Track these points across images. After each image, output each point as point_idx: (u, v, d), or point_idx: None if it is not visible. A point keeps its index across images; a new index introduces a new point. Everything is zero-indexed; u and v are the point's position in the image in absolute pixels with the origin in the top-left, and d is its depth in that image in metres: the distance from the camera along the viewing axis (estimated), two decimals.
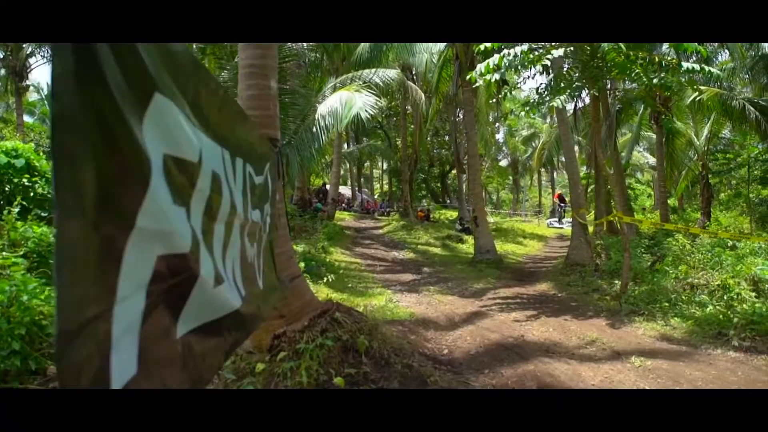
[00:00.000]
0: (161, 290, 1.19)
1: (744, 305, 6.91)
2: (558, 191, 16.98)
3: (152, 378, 1.10)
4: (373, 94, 10.53)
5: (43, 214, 7.61)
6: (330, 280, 9.07)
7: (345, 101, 10.21)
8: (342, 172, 28.95)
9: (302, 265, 8.49)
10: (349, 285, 10.24)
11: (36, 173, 8.10)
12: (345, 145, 28.97)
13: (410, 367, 4.31)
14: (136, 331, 1.04)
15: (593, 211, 17.41)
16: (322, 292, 8.26)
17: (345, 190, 36.15)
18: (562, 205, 15.48)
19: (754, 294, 7.30)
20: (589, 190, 20.25)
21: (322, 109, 10.64)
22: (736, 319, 6.37)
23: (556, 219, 15.59)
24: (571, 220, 13.57)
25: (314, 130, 10.48)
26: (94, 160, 0.90)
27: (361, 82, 12.12)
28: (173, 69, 1.31)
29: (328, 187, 24.82)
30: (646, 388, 4.60)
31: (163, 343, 1.22)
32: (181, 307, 1.35)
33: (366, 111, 9.93)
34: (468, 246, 17.86)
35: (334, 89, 12.20)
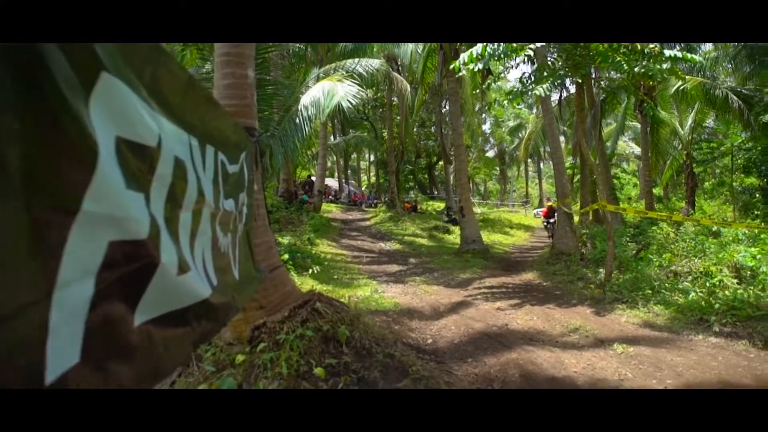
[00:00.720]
0: (114, 277, 1.14)
1: (726, 292, 6.99)
2: (548, 202, 17.50)
3: (98, 367, 1.05)
4: (356, 83, 10.43)
5: None
6: (315, 271, 9.02)
7: (327, 91, 10.12)
8: (329, 164, 28.89)
9: (286, 257, 8.43)
10: (335, 276, 10.21)
11: None
12: (331, 137, 28.89)
13: (392, 357, 4.29)
14: (81, 319, 0.99)
15: (579, 201, 17.51)
16: (307, 283, 8.21)
17: (332, 182, 36.07)
18: (551, 221, 16.01)
19: (735, 281, 7.39)
20: (574, 180, 20.35)
21: (305, 99, 10.54)
22: (717, 306, 6.43)
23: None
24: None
25: (297, 120, 10.38)
26: (25, 140, 0.85)
27: (344, 72, 12.03)
28: (125, 49, 1.26)
29: (314, 179, 24.71)
30: (628, 374, 4.63)
31: (116, 332, 1.18)
32: (139, 295, 1.30)
33: (348, 100, 9.86)
34: (455, 236, 17.90)
35: (317, 80, 12.10)
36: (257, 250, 3.77)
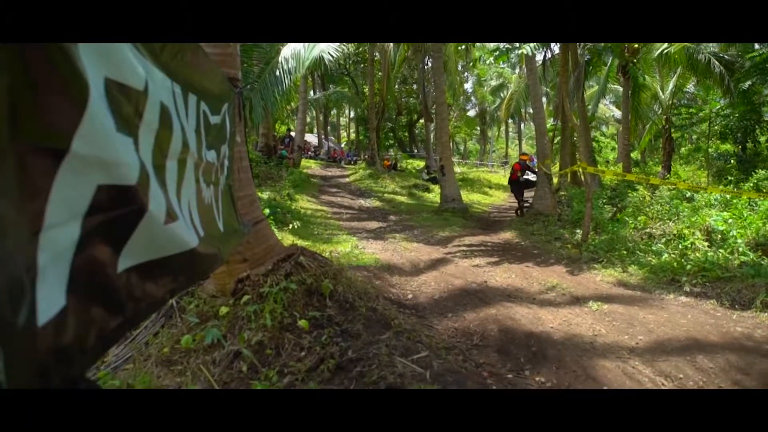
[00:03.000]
0: (101, 221, 1.11)
1: (697, 254, 7.22)
2: (522, 156, 13.30)
3: (83, 311, 1.04)
4: None
5: None
6: (295, 227, 9.00)
7: (307, 43, 9.91)
8: (308, 119, 28.45)
9: (267, 211, 8.37)
10: (315, 232, 10.21)
11: None
12: (311, 92, 28.36)
13: (374, 311, 4.34)
14: (67, 262, 0.97)
15: (558, 163, 17.64)
16: (287, 239, 8.19)
17: (311, 138, 35.65)
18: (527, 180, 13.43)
19: (707, 243, 7.63)
20: (554, 141, 20.43)
21: (286, 51, 10.30)
22: (689, 267, 6.63)
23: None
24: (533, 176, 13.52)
25: (277, 73, 10.17)
26: (13, 75, 0.81)
27: None
28: None
29: (293, 134, 24.38)
30: (602, 330, 4.77)
31: (100, 276, 1.16)
32: (124, 241, 1.28)
33: (329, 53, 9.67)
34: (434, 195, 17.97)
35: None
36: (240, 203, 3.72)
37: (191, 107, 2.06)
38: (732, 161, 17.53)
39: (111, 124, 1.16)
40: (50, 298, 0.89)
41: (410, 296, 5.92)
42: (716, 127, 19.00)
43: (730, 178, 15.73)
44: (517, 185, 13.28)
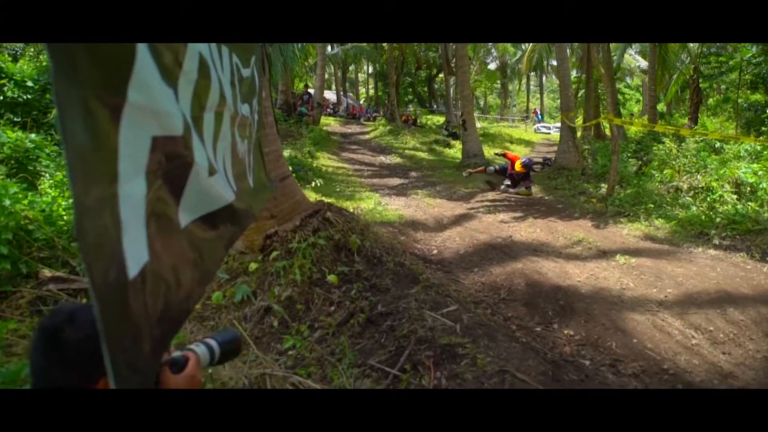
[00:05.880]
0: (160, 174, 1.11)
1: (726, 206, 7.09)
2: (507, 154, 11.08)
3: (164, 267, 1.05)
4: None
5: (15, 119, 7.33)
6: (318, 184, 9.02)
7: None
8: (326, 75, 28.09)
9: (290, 168, 8.40)
10: (337, 189, 10.23)
11: (4, 75, 7.71)
12: (329, 48, 27.88)
13: (402, 265, 4.37)
14: (142, 216, 0.98)
15: (581, 116, 17.26)
16: (310, 196, 8.20)
17: (330, 95, 35.29)
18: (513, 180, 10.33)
19: (735, 196, 7.47)
20: (578, 95, 19.94)
21: None
22: (718, 220, 6.53)
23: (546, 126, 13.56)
24: (558, 125, 13.09)
25: None
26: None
27: None
28: None
29: (311, 91, 24.14)
30: (630, 283, 4.75)
31: (170, 232, 1.17)
32: (179, 195, 1.29)
33: None
34: (455, 151, 17.78)
35: None
36: (267, 159, 3.72)
37: (225, 58, 2.02)
38: (767, 111, 16.90)
39: (156, 73, 1.15)
40: (136, 253, 0.89)
41: (435, 251, 5.94)
42: (747, 76, 18.35)
43: (764, 128, 15.23)
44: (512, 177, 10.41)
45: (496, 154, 12.77)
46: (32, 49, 12.15)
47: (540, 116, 38.27)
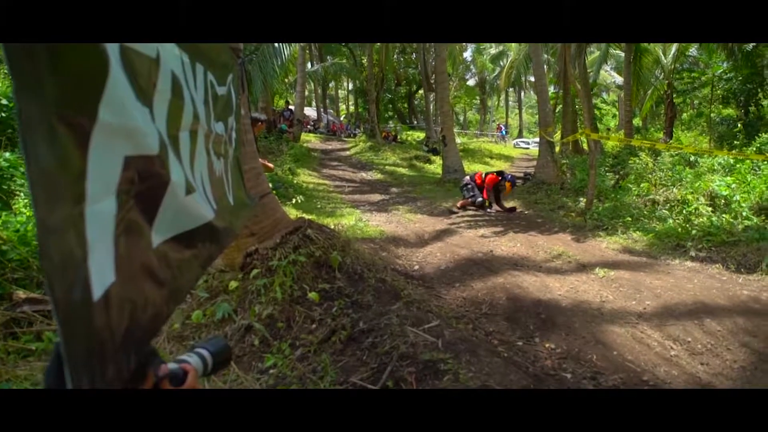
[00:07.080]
0: (132, 194, 1.10)
1: (701, 219, 7.26)
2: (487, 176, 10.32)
3: (130, 287, 1.04)
4: None
5: None
6: (298, 201, 8.98)
7: None
8: (306, 92, 28.16)
9: (270, 186, 8.36)
10: (318, 206, 10.20)
11: None
12: (309, 64, 27.98)
13: (383, 282, 4.36)
14: (111, 237, 0.97)
15: (560, 131, 17.54)
16: (291, 213, 8.16)
17: (310, 112, 35.34)
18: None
19: (710, 208, 7.65)
20: (556, 110, 20.28)
21: None
22: (694, 232, 6.65)
23: (525, 142, 14.17)
24: (536, 140, 13.32)
25: (276, 44, 10.02)
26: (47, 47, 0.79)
27: None
28: None
29: (291, 107, 24.15)
30: (609, 296, 4.80)
31: (139, 252, 1.15)
32: (153, 215, 1.27)
33: None
34: (435, 166, 17.90)
35: None
36: (246, 176, 3.71)
37: (199, 77, 2.02)
38: (739, 125, 17.35)
39: (130, 91, 1.14)
40: (101, 274, 0.88)
41: (417, 267, 5.94)
42: (718, 91, 18.85)
43: (736, 142, 15.63)
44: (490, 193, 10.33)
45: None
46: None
47: (504, 132, 38.87)
